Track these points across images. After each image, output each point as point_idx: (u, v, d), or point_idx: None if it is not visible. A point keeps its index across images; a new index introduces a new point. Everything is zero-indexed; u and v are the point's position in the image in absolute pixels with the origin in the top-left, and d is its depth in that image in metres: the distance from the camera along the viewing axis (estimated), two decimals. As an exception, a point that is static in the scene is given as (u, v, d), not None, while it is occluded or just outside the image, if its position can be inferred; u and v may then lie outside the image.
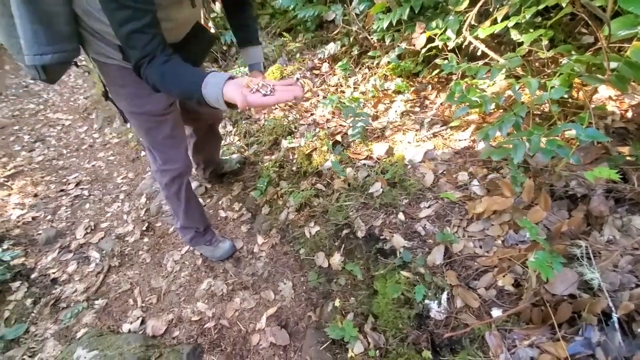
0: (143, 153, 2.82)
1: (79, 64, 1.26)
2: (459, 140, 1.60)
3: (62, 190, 2.67)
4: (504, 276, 1.09)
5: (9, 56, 4.86)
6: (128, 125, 1.39)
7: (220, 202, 2.20)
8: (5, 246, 2.18)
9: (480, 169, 1.43)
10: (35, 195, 2.65)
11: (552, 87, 1.11)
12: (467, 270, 1.18)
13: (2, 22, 1.00)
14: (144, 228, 2.18)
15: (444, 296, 1.14)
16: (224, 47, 2.74)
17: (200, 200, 2.23)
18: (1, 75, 4.42)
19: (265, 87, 0.78)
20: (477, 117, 1.64)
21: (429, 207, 1.41)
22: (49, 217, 2.44)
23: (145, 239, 2.13)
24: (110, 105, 1.39)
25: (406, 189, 1.51)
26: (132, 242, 2.13)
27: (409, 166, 1.58)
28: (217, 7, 2.56)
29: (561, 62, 1.32)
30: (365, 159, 1.75)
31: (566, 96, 1.25)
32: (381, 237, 1.44)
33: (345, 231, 1.60)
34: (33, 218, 2.45)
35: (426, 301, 1.17)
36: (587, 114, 1.08)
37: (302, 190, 1.85)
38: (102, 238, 2.20)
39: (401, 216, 1.44)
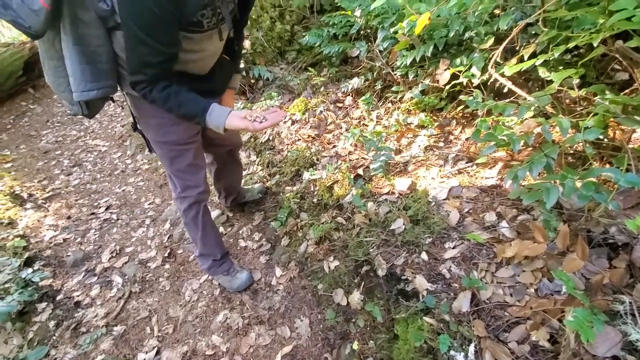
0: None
1: (115, 99, 1.37)
2: (486, 177, 1.55)
3: (93, 214, 2.78)
4: (538, 330, 1.00)
5: (58, 86, 5.30)
6: (153, 154, 1.53)
7: (240, 231, 2.21)
8: (36, 267, 2.28)
9: (509, 209, 1.37)
10: (69, 217, 2.78)
11: (586, 128, 1.06)
12: (496, 320, 1.10)
13: (50, 65, 1.11)
14: (166, 254, 2.21)
15: (471, 348, 1.06)
16: (252, 81, 2.86)
17: (221, 228, 2.26)
18: (49, 104, 4.81)
19: (258, 117, 1.08)
20: (504, 154, 1.58)
21: (454, 247, 1.35)
22: (79, 239, 2.54)
23: (167, 266, 2.15)
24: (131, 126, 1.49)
25: (430, 227, 1.46)
26: (153, 268, 2.16)
27: (433, 203, 1.53)
28: (247, 44, 2.70)
29: (594, 101, 1.27)
30: (387, 193, 1.72)
31: (601, 137, 1.18)
32: (403, 277, 1.38)
33: (365, 268, 1.55)
34: (64, 240, 2.55)
35: (451, 352, 1.09)
36: (625, 156, 1.01)
37: (322, 223, 1.83)
38: (125, 263, 2.25)
39: (424, 256, 1.38)
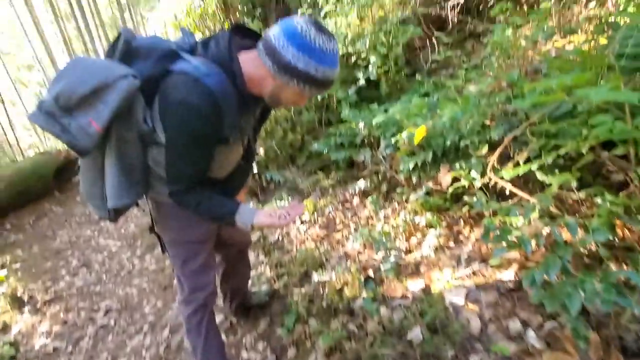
0: (175, 281, 2.85)
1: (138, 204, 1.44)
2: (502, 280, 1.49)
3: (90, 318, 2.64)
4: None
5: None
6: (165, 254, 1.54)
7: (244, 340, 2.04)
8: (18, 382, 2.07)
9: (533, 315, 1.27)
10: (65, 323, 2.63)
11: (593, 230, 1.07)
12: None
13: (89, 176, 1.22)
14: (160, 368, 2.01)
15: None
16: (264, 183, 3.04)
17: (223, 336, 2.09)
18: (71, 205, 5.06)
19: (282, 213, 1.16)
20: (518, 254, 1.56)
21: (479, 361, 1.22)
22: (70, 348, 2.36)
23: (159, 382, 1.94)
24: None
25: (450, 336, 1.34)
26: (145, 385, 1.94)
27: (450, 309, 1.44)
28: (261, 151, 2.97)
29: (596, 201, 1.31)
30: (400, 297, 1.64)
31: (611, 238, 1.18)
32: (426, 400, 1.21)
33: (382, 387, 1.38)
34: (54, 349, 2.38)
35: None
36: (639, 257, 1.00)
37: (333, 331, 1.70)
38: (115, 378, 2.03)
39: (448, 372, 1.24)
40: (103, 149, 1.14)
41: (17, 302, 2.88)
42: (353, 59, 3.03)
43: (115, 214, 1.25)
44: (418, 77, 3.03)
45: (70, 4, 16.16)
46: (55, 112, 0.98)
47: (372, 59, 2.77)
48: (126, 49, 1.09)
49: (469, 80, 2.26)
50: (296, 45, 0.93)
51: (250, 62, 1.04)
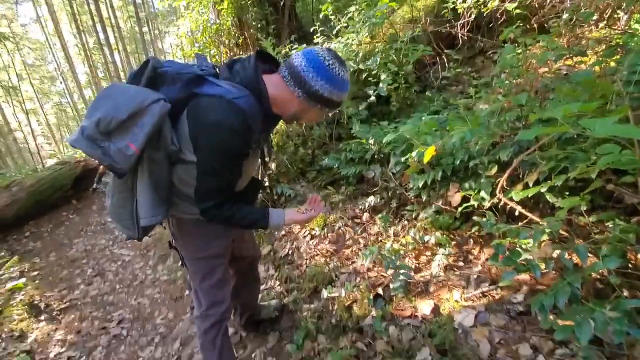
0: (187, 292, 2.89)
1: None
2: (512, 302, 1.48)
3: (104, 328, 2.70)
4: None
5: (98, 198, 5.81)
6: (179, 265, 1.59)
7: (253, 355, 2.06)
8: (32, 391, 2.12)
9: (543, 340, 1.26)
10: (79, 332, 2.69)
11: (604, 256, 1.06)
12: None
13: (120, 197, 1.26)
14: (170, 381, 2.04)
15: None
16: (275, 197, 3.08)
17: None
18: (87, 214, 5.20)
19: (307, 209, 1.37)
20: (528, 276, 1.55)
21: (489, 387, 1.21)
22: (84, 358, 2.41)
23: (170, 395, 1.96)
24: (167, 243, 1.58)
25: (459, 359, 1.34)
26: (155, 397, 1.97)
27: (460, 331, 1.44)
28: (273, 165, 3.02)
29: (607, 226, 1.30)
30: (409, 317, 1.64)
31: (623, 264, 1.17)
32: None
33: (390, 409, 1.37)
34: (68, 358, 2.43)
35: None
36: (654, 287, 0.99)
37: (342, 349, 1.70)
38: (126, 389, 2.07)
39: (457, 396, 1.23)
40: (135, 170, 1.21)
41: (34, 310, 2.96)
42: (364, 75, 3.08)
43: (144, 233, 1.30)
44: (428, 93, 3.06)
45: (92, 18, 16.82)
46: (97, 137, 1.05)
47: (383, 76, 2.81)
48: (153, 75, 1.17)
49: (478, 98, 2.28)
50: (324, 77, 1.12)
51: (274, 85, 1.17)
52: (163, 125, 1.13)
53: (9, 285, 3.25)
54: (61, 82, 24.11)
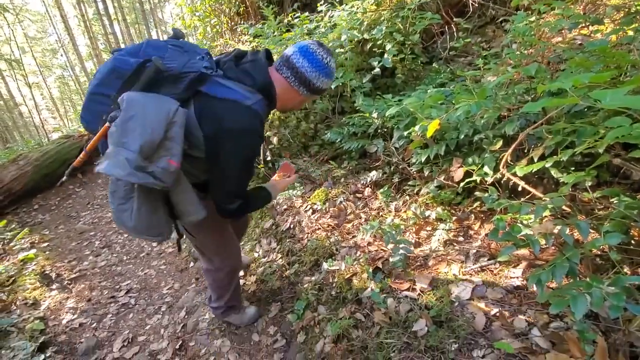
0: (192, 264, 2.96)
1: None
2: (510, 277, 1.48)
3: (112, 297, 2.80)
4: None
5: (104, 172, 5.85)
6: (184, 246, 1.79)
7: (256, 324, 2.13)
8: (48, 353, 2.23)
9: (539, 314, 1.28)
10: (89, 300, 2.80)
11: (606, 232, 1.05)
12: None
13: (150, 206, 1.21)
14: (177, 346, 2.12)
15: None
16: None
17: (237, 320, 2.20)
18: (93, 188, 5.27)
19: (285, 175, 1.72)
20: (527, 252, 1.54)
21: (483, 357, 1.24)
22: (95, 324, 2.51)
23: (176, 359, 2.05)
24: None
25: (454, 330, 1.37)
26: (163, 361, 2.06)
27: (456, 303, 1.46)
28: (275, 140, 2.99)
29: (612, 201, 1.27)
30: (407, 289, 1.66)
31: (625, 240, 1.16)
32: (428, 391, 1.25)
33: (386, 376, 1.42)
34: (80, 324, 2.54)
35: None
36: (654, 263, 0.98)
37: (341, 319, 1.75)
38: (135, 354, 2.17)
39: (450, 365, 1.27)
40: None
41: (46, 279, 3.06)
42: (368, 46, 2.97)
43: (171, 234, 1.34)
44: (435, 65, 2.95)
45: (90, -13, 16.28)
46: (143, 165, 1.04)
47: (388, 46, 2.71)
48: (156, 77, 1.12)
49: (487, 69, 2.19)
50: (324, 74, 1.27)
51: (280, 86, 1.28)
52: None
53: (21, 255, 3.35)
54: (62, 55, 23.74)
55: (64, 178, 1.28)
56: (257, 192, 1.51)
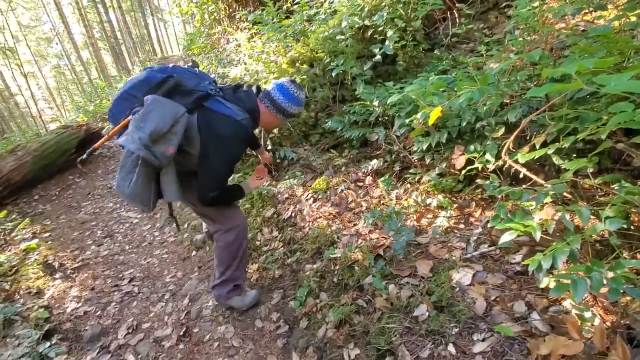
0: (194, 253, 2.99)
1: None
2: (511, 263, 1.50)
3: (116, 286, 2.83)
4: None
5: (103, 162, 5.85)
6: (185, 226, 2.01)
7: (258, 311, 2.16)
8: (54, 340, 2.26)
9: (539, 298, 1.30)
10: (93, 289, 2.83)
11: (607, 218, 1.06)
12: None
13: (144, 180, 1.54)
14: (181, 333, 2.16)
15: None
16: (278, 161, 3.07)
17: (240, 307, 2.23)
18: (93, 179, 5.26)
19: (259, 177, 2.03)
20: (527, 238, 1.56)
21: (483, 340, 1.26)
22: (99, 312, 2.55)
23: (181, 346, 2.09)
24: (173, 206, 1.81)
25: (455, 315, 1.39)
26: (167, 347, 2.10)
27: (457, 289, 1.48)
28: (275, 129, 2.98)
29: (613, 187, 1.28)
30: (408, 276, 1.68)
31: (625, 226, 1.17)
32: (429, 373, 1.28)
33: (388, 359, 1.45)
34: (85, 312, 2.57)
35: None
36: (654, 247, 0.99)
37: (343, 305, 1.77)
38: (140, 340, 2.20)
39: (452, 348, 1.29)
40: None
41: (49, 269, 3.09)
42: (369, 32, 2.93)
43: (154, 206, 1.64)
44: (437, 52, 2.92)
45: (84, -26, 15.94)
46: (150, 145, 1.40)
47: (389, 32, 2.67)
48: (174, 89, 1.57)
49: (490, 56, 2.17)
50: (294, 103, 1.73)
51: (263, 112, 1.73)
52: None
53: (23, 245, 3.37)
54: (57, 43, 23.37)
55: (84, 157, 1.58)
56: (232, 188, 1.88)
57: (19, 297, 2.71)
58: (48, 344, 2.18)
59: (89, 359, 2.13)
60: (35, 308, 2.55)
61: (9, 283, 2.88)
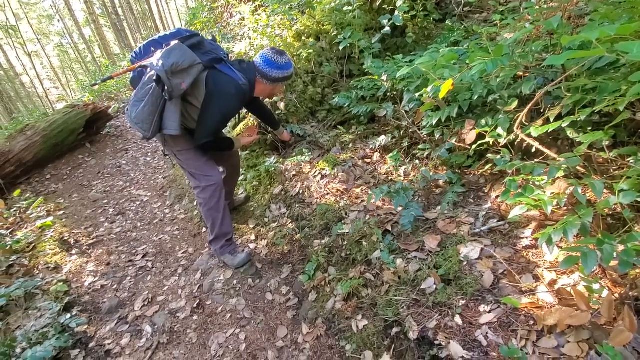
0: (204, 229, 3.05)
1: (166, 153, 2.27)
2: (520, 237, 1.50)
3: (130, 261, 2.91)
4: (590, 413, 0.90)
5: (111, 141, 5.89)
6: (173, 166, 2.33)
7: (268, 284, 2.22)
8: (74, 312, 2.37)
9: (547, 271, 1.31)
10: (108, 264, 2.92)
11: (621, 191, 1.04)
12: (541, 397, 1.01)
13: (151, 109, 1.83)
14: (194, 305, 2.24)
15: None
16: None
17: (250, 280, 2.29)
18: (102, 158, 5.31)
19: (249, 134, 2.50)
20: (537, 212, 1.55)
21: (489, 312, 1.29)
22: (115, 286, 2.64)
23: (195, 317, 2.17)
24: (182, 184, 1.97)
25: (462, 288, 1.41)
26: (182, 318, 2.18)
27: (465, 262, 1.50)
28: (282, 105, 2.94)
29: (628, 161, 1.26)
30: (416, 250, 1.70)
31: (639, 199, 1.15)
32: (435, 342, 1.31)
33: (395, 329, 1.49)
34: (102, 286, 2.67)
35: None
36: (668, 221, 0.98)
37: (351, 279, 1.81)
38: (156, 312, 2.29)
39: (458, 319, 1.32)
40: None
41: (65, 245, 3.19)
42: (378, 3, 2.82)
43: (152, 136, 1.91)
44: (448, 22, 2.81)
45: (81, -54, 15.43)
46: (169, 74, 1.70)
47: (399, 2, 2.57)
48: (197, 45, 1.91)
49: (504, 26, 2.08)
50: (274, 68, 1.97)
51: (257, 83, 2.04)
52: None
53: (39, 223, 3.47)
54: (59, 21, 22.99)
55: (103, 80, 2.21)
56: (224, 138, 2.31)
57: (38, 272, 2.82)
58: (69, 315, 2.28)
59: (108, 329, 2.23)
60: (54, 282, 2.65)
61: (27, 259, 2.99)
